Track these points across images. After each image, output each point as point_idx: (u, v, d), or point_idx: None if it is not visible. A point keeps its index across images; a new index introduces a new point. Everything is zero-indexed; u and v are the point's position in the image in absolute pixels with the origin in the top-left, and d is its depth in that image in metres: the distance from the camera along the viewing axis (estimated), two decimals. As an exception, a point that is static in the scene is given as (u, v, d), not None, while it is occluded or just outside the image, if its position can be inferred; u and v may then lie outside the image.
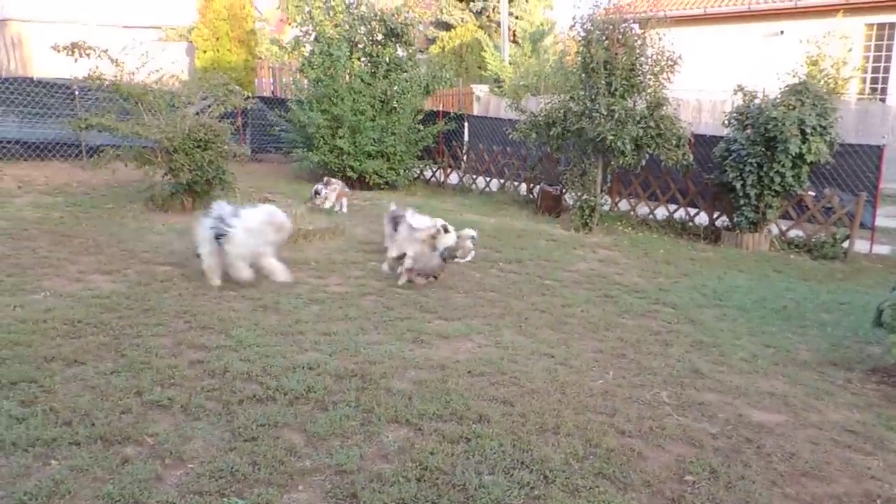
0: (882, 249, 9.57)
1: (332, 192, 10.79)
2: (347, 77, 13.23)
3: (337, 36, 13.28)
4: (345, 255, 8.05)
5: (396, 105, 13.30)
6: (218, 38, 18.32)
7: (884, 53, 18.16)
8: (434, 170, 14.55)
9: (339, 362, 4.84)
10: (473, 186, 13.78)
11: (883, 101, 17.50)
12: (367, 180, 13.14)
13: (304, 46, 13.96)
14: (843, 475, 3.79)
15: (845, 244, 9.61)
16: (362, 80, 13.16)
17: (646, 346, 5.62)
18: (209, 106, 10.07)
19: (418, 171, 14.38)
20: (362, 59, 13.66)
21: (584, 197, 10.54)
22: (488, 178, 13.62)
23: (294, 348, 5.08)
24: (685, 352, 5.55)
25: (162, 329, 5.30)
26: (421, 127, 13.74)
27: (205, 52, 18.43)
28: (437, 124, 13.98)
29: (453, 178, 14.31)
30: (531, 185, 12.76)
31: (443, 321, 5.92)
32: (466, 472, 3.53)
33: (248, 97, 11.04)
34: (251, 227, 6.36)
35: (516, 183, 13.16)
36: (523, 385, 4.66)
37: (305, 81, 13.88)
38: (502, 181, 13.37)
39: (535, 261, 8.31)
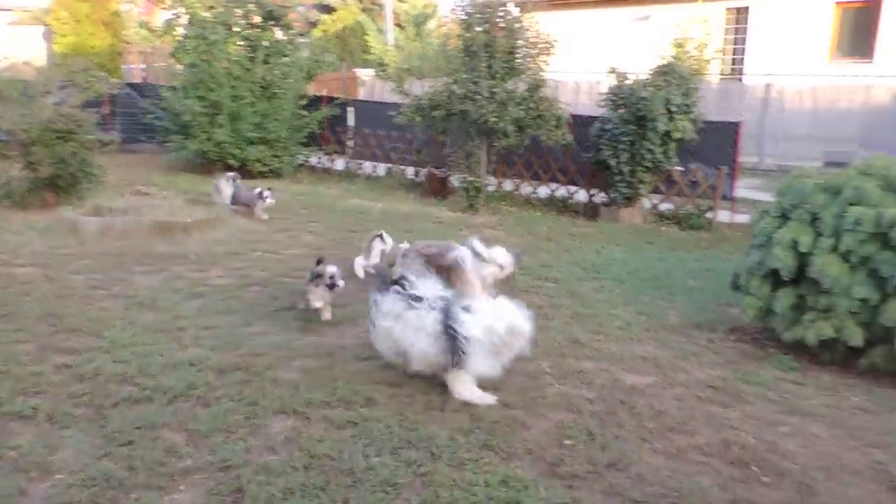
0: (741, 218, 10.32)
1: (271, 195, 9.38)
2: (225, 62, 12.71)
3: (211, 19, 12.73)
4: (226, 246, 7.79)
5: (278, 90, 12.94)
6: (78, 21, 17.09)
7: (741, 36, 19.56)
8: (319, 156, 14.30)
9: (222, 356, 4.71)
10: (360, 171, 13.67)
11: (740, 80, 18.86)
12: (249, 168, 12.73)
13: (177, 30, 13.28)
14: (706, 427, 4.11)
15: (709, 215, 10.33)
16: (241, 65, 12.69)
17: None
18: (70, 94, 9.41)
19: (303, 158, 14.09)
20: (240, 43, 13.18)
21: (470, 178, 10.72)
22: (375, 163, 13.57)
23: (173, 345, 4.89)
24: (566, 324, 5.80)
25: (24, 335, 4.94)
26: (305, 112, 13.46)
27: (64, 36, 17.15)
28: (321, 109, 13.74)
29: (339, 163, 14.14)
30: (418, 168, 12.82)
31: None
32: (354, 456, 3.54)
33: (115, 84, 10.39)
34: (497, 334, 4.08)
35: (403, 167, 13.19)
36: (411, 366, 4.71)
37: (179, 67, 13.22)
38: (389, 165, 13.35)
39: (423, 243, 8.38)
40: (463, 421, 3.97)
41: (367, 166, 13.64)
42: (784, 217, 5.35)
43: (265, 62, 12.96)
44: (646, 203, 10.78)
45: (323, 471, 3.43)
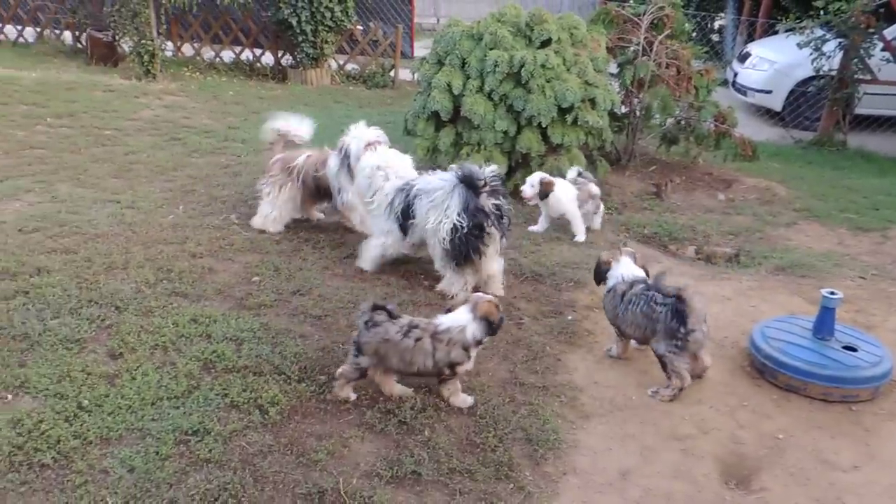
0: (421, 76, 11.10)
1: None
2: None
3: None
4: None
5: None
6: None
7: None
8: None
9: None
10: (2, 38, 11.54)
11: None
12: None
13: None
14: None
15: (392, 73, 10.89)
16: None
17: (216, 180, 5.82)
18: None
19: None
20: None
21: (141, 41, 9.76)
22: (20, 27, 11.53)
23: None
24: (253, 179, 5.89)
25: None
26: None
27: None
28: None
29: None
30: (77, 32, 11.23)
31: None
32: (28, 322, 3.40)
33: None
34: None
35: (58, 31, 11.44)
36: (86, 232, 4.49)
37: None
38: (38, 29, 11.47)
39: (92, 112, 7.61)
40: (148, 275, 3.98)
41: (11, 31, 11.54)
42: (440, 63, 5.95)
43: None
44: (333, 64, 10.94)
45: (-10, 342, 3.25)
